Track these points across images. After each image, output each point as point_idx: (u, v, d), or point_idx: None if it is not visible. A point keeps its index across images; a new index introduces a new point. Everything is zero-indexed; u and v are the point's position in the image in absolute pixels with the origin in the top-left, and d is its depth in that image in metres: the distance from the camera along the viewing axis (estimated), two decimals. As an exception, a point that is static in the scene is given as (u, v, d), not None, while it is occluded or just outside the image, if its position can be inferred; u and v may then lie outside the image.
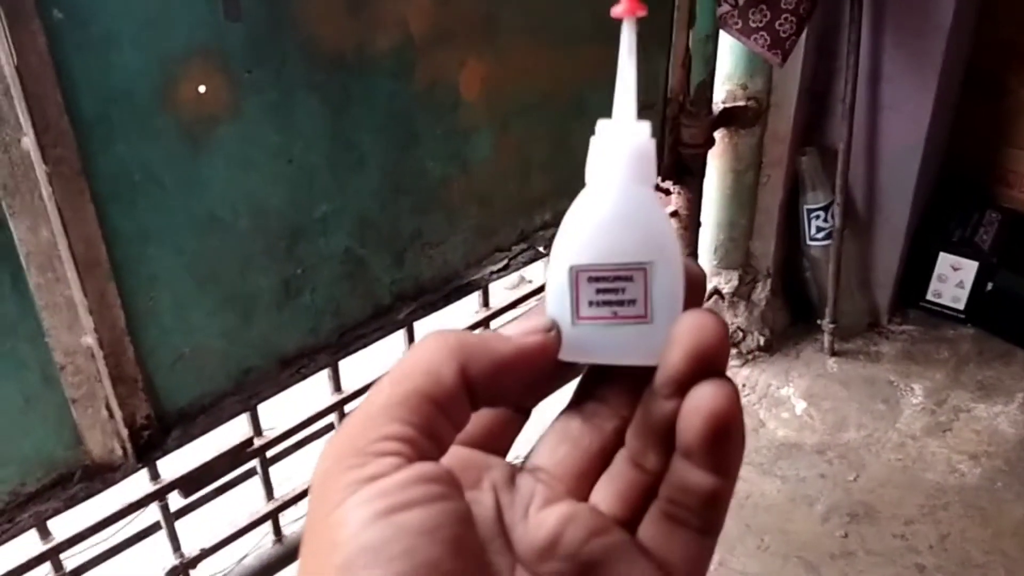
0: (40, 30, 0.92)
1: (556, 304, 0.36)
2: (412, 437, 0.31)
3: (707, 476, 0.33)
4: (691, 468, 0.33)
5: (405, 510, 0.29)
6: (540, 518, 0.35)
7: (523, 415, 0.40)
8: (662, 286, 0.35)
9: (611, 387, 0.38)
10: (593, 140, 0.36)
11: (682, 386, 0.33)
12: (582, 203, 0.36)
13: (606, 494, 0.36)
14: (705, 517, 0.34)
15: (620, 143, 0.35)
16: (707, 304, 2.36)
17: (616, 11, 0.36)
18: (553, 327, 0.36)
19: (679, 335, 0.33)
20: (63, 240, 1.00)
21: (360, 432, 0.31)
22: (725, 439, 0.32)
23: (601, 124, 0.36)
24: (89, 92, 0.98)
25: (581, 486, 0.37)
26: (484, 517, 0.35)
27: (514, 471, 0.38)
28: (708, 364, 0.33)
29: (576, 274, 0.35)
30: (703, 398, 0.32)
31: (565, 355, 0.36)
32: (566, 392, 0.40)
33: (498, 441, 0.39)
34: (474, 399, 0.34)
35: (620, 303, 0.35)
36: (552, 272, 0.36)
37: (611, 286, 0.35)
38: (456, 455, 0.37)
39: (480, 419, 0.38)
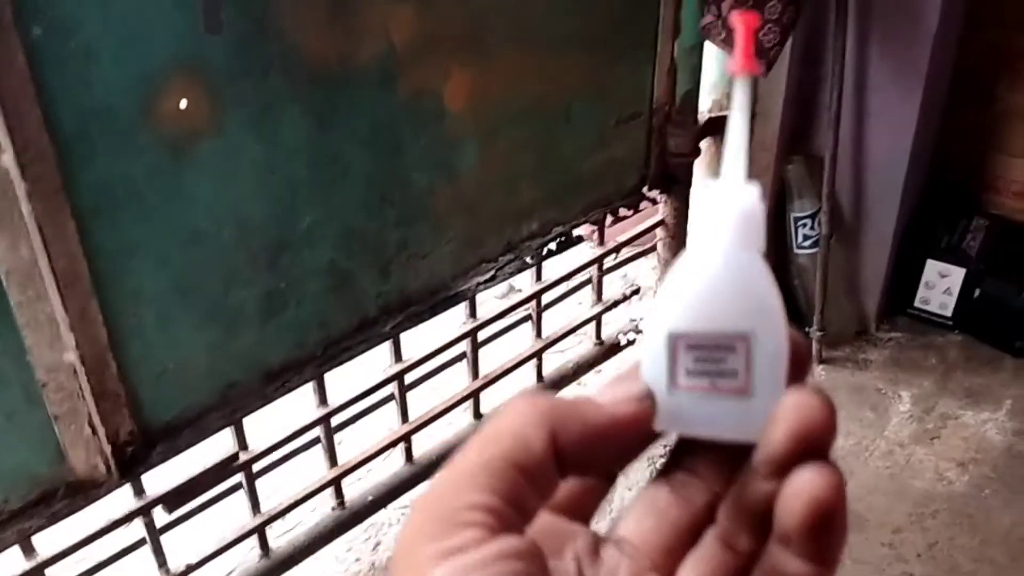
0: (19, 47, 0.91)
1: (652, 370, 0.35)
2: (497, 507, 0.30)
3: (805, 565, 0.31)
4: (788, 555, 0.32)
5: None
6: None
7: (608, 481, 0.39)
8: (765, 359, 0.33)
9: (703, 459, 0.36)
10: (699, 200, 0.35)
11: (783, 468, 0.31)
12: (684, 266, 0.34)
13: (695, 574, 0.35)
14: None
15: (727, 205, 0.34)
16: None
17: (729, 68, 0.35)
18: (648, 396, 0.34)
19: (783, 413, 0.32)
20: (44, 257, 1.00)
21: (446, 497, 0.31)
22: (827, 528, 0.31)
23: (708, 183, 0.35)
24: (69, 108, 0.98)
25: (668, 562, 0.36)
26: None
27: (598, 541, 0.36)
28: (812, 447, 0.31)
29: (675, 341, 0.34)
30: (806, 483, 0.31)
31: (660, 425, 0.35)
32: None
33: (582, 508, 0.38)
34: (563, 467, 0.33)
35: (720, 374, 0.34)
36: (649, 336, 0.35)
37: (711, 355, 0.34)
38: (539, 521, 0.35)
39: (565, 485, 0.37)
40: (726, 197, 0.34)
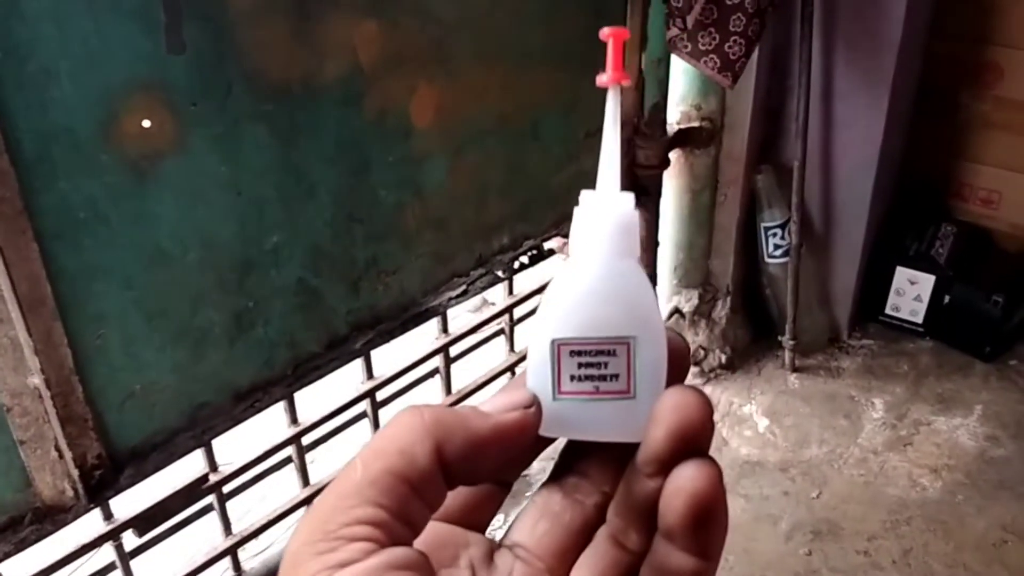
0: (-24, 69, 0.90)
1: (537, 377, 0.35)
2: (384, 521, 0.30)
3: (689, 559, 0.32)
4: (673, 550, 0.32)
5: None
6: None
7: (503, 488, 0.39)
8: (645, 361, 0.34)
9: (593, 461, 0.37)
10: (576, 211, 0.35)
11: (665, 465, 0.32)
12: (565, 275, 0.35)
13: (587, 573, 0.36)
14: None
15: (603, 215, 0.35)
16: (668, 323, 2.37)
17: (601, 80, 0.35)
18: (533, 403, 0.35)
19: (662, 413, 0.32)
20: (6, 280, 0.99)
21: (331, 514, 0.30)
22: (707, 522, 0.32)
23: (584, 195, 0.35)
24: (29, 130, 0.97)
25: (561, 564, 0.36)
26: None
27: (492, 547, 0.37)
28: (691, 443, 0.32)
29: (558, 347, 0.35)
30: (685, 479, 0.31)
31: (546, 430, 0.35)
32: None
33: (476, 516, 0.38)
34: (450, 478, 0.33)
35: (602, 378, 0.35)
36: (533, 345, 0.35)
37: (593, 360, 0.35)
38: (432, 531, 0.35)
39: (458, 493, 0.37)
40: (603, 207, 0.35)
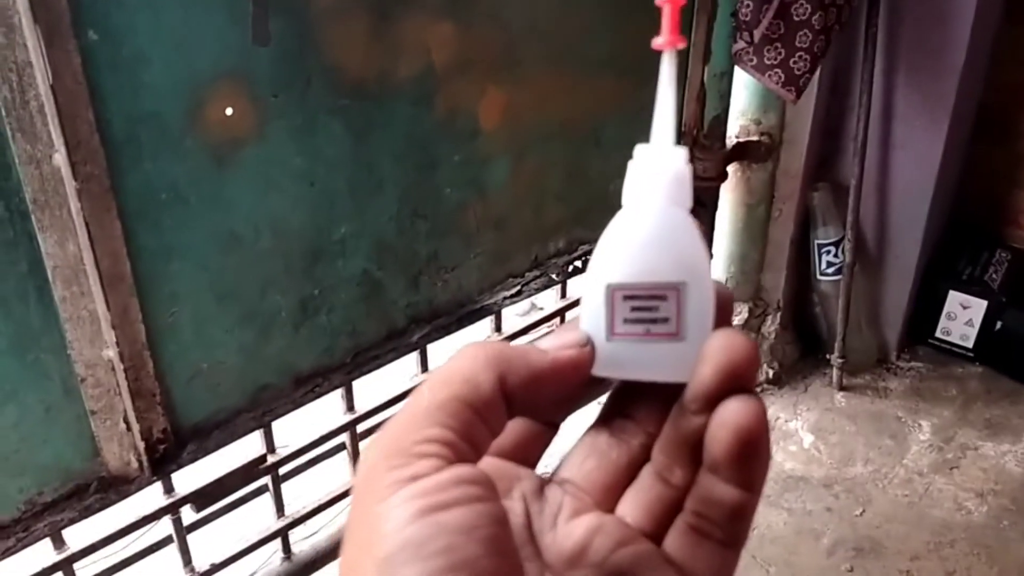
0: (75, 50, 0.94)
1: (591, 320, 0.37)
2: (452, 440, 0.33)
3: (733, 490, 0.34)
4: (717, 482, 0.34)
5: (445, 509, 0.30)
6: (568, 528, 0.37)
7: (553, 429, 0.41)
8: (694, 306, 0.36)
9: (639, 404, 0.39)
10: (631, 163, 0.37)
11: (711, 402, 0.34)
12: (619, 223, 0.37)
13: (633, 507, 0.37)
14: (730, 530, 0.35)
15: (657, 167, 0.37)
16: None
17: (657, 43, 0.37)
18: (588, 342, 0.37)
19: (710, 352, 0.34)
20: (89, 255, 1.03)
21: (403, 433, 0.33)
22: (751, 454, 0.33)
23: (639, 148, 0.37)
24: (120, 112, 1.01)
25: (608, 499, 0.38)
26: (514, 524, 0.36)
27: (543, 482, 0.39)
28: (737, 381, 0.34)
29: (612, 292, 0.36)
30: (731, 413, 0.33)
31: (599, 370, 0.37)
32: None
33: (528, 453, 0.40)
34: (510, 408, 0.35)
35: (653, 321, 0.36)
36: (588, 289, 0.37)
37: (645, 304, 0.36)
38: (488, 465, 0.38)
39: (512, 432, 0.40)
40: (657, 160, 0.37)
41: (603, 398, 0.41)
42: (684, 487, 0.36)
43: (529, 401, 0.36)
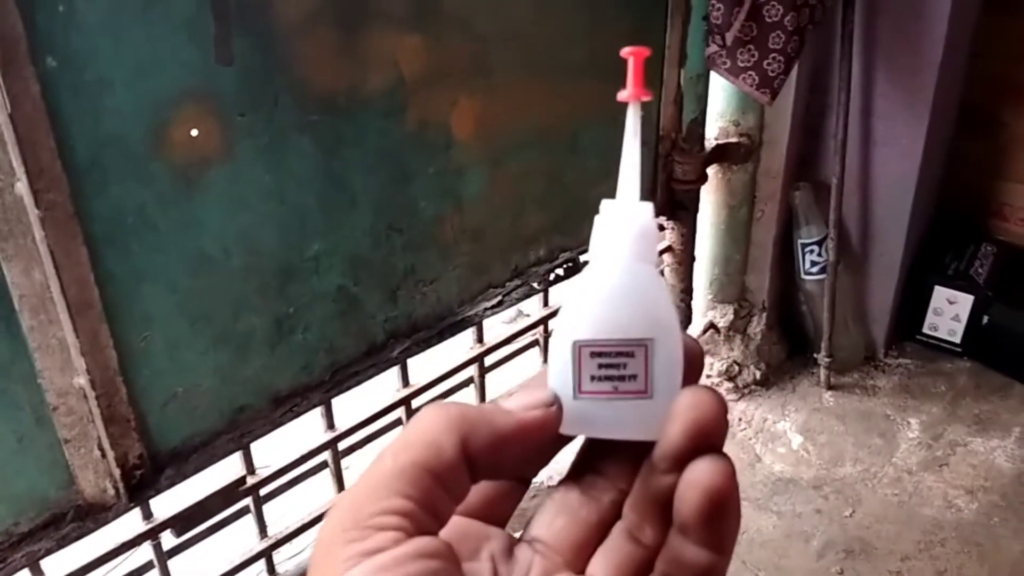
0: (33, 77, 0.93)
1: (558, 377, 0.37)
2: (411, 511, 0.32)
3: (702, 552, 0.33)
4: (687, 543, 0.34)
5: None
6: None
7: (523, 485, 0.40)
8: (662, 362, 0.36)
9: (609, 460, 0.38)
10: (597, 219, 0.37)
11: (680, 461, 0.33)
12: (586, 280, 0.37)
13: (603, 567, 0.37)
14: None
15: (624, 223, 0.36)
16: (703, 338, 2.37)
17: (622, 96, 0.37)
18: (555, 401, 0.36)
19: (678, 411, 0.34)
20: (56, 283, 1.01)
21: (362, 503, 0.32)
22: (720, 515, 0.33)
23: (605, 204, 0.37)
24: (82, 137, 1.00)
25: (578, 558, 0.37)
26: None
27: (512, 542, 0.38)
28: (706, 440, 0.33)
29: (579, 349, 0.36)
30: (700, 473, 0.33)
31: (566, 428, 0.37)
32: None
33: (497, 511, 0.39)
34: (474, 472, 0.34)
35: (621, 378, 0.36)
36: (555, 346, 0.37)
37: (613, 361, 0.36)
38: (455, 525, 0.37)
39: (479, 490, 0.39)
40: (623, 215, 0.37)
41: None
42: (655, 547, 0.36)
43: (494, 463, 0.35)
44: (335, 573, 0.30)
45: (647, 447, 0.35)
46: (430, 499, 0.33)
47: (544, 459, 0.39)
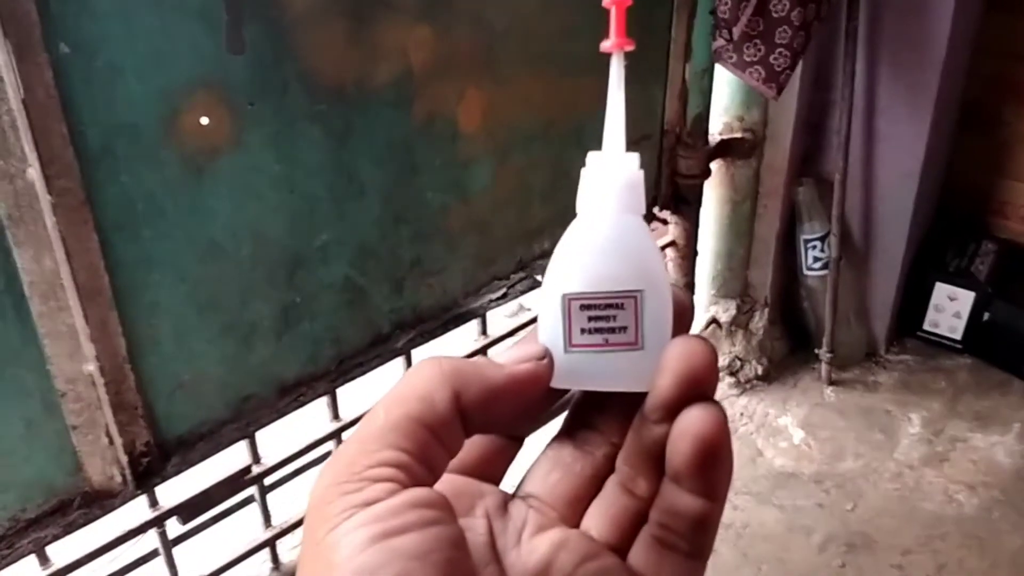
0: (47, 63, 0.93)
1: (548, 331, 0.36)
2: (406, 463, 0.32)
3: (696, 500, 0.33)
4: (680, 492, 0.34)
5: (399, 535, 0.29)
6: (532, 544, 0.36)
7: (516, 443, 0.40)
8: (652, 313, 0.35)
9: (602, 414, 0.38)
10: (584, 171, 0.37)
11: (671, 411, 0.33)
12: (574, 233, 0.36)
13: (597, 520, 0.37)
14: (694, 541, 0.35)
15: (610, 174, 0.36)
16: (705, 333, 2.37)
17: (605, 46, 0.37)
18: (546, 355, 0.36)
19: (668, 361, 0.34)
20: (66, 269, 1.02)
21: (356, 457, 0.32)
22: (713, 462, 0.33)
23: (591, 156, 0.37)
24: (94, 124, 1.00)
25: (573, 512, 0.37)
26: (477, 543, 0.36)
27: (507, 498, 0.38)
28: (697, 389, 0.33)
29: (568, 302, 0.36)
30: (691, 422, 0.33)
31: (557, 382, 0.37)
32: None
33: (492, 469, 0.39)
34: (467, 425, 0.34)
35: (611, 330, 0.36)
36: (544, 300, 0.36)
37: (602, 314, 0.36)
38: (450, 482, 0.37)
39: (474, 447, 0.39)
40: (609, 167, 0.37)
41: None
42: (648, 498, 0.36)
43: (486, 417, 0.35)
44: (330, 525, 0.30)
45: (639, 399, 0.35)
46: (424, 451, 0.33)
47: (538, 417, 0.39)
